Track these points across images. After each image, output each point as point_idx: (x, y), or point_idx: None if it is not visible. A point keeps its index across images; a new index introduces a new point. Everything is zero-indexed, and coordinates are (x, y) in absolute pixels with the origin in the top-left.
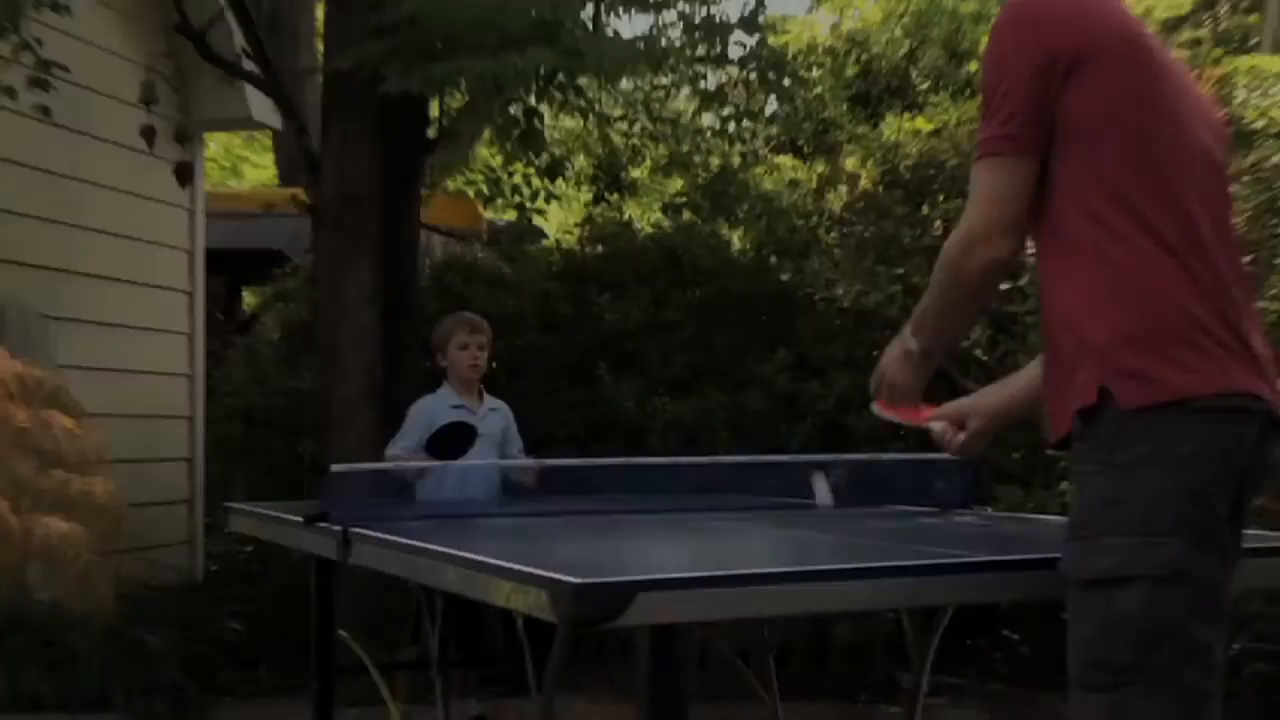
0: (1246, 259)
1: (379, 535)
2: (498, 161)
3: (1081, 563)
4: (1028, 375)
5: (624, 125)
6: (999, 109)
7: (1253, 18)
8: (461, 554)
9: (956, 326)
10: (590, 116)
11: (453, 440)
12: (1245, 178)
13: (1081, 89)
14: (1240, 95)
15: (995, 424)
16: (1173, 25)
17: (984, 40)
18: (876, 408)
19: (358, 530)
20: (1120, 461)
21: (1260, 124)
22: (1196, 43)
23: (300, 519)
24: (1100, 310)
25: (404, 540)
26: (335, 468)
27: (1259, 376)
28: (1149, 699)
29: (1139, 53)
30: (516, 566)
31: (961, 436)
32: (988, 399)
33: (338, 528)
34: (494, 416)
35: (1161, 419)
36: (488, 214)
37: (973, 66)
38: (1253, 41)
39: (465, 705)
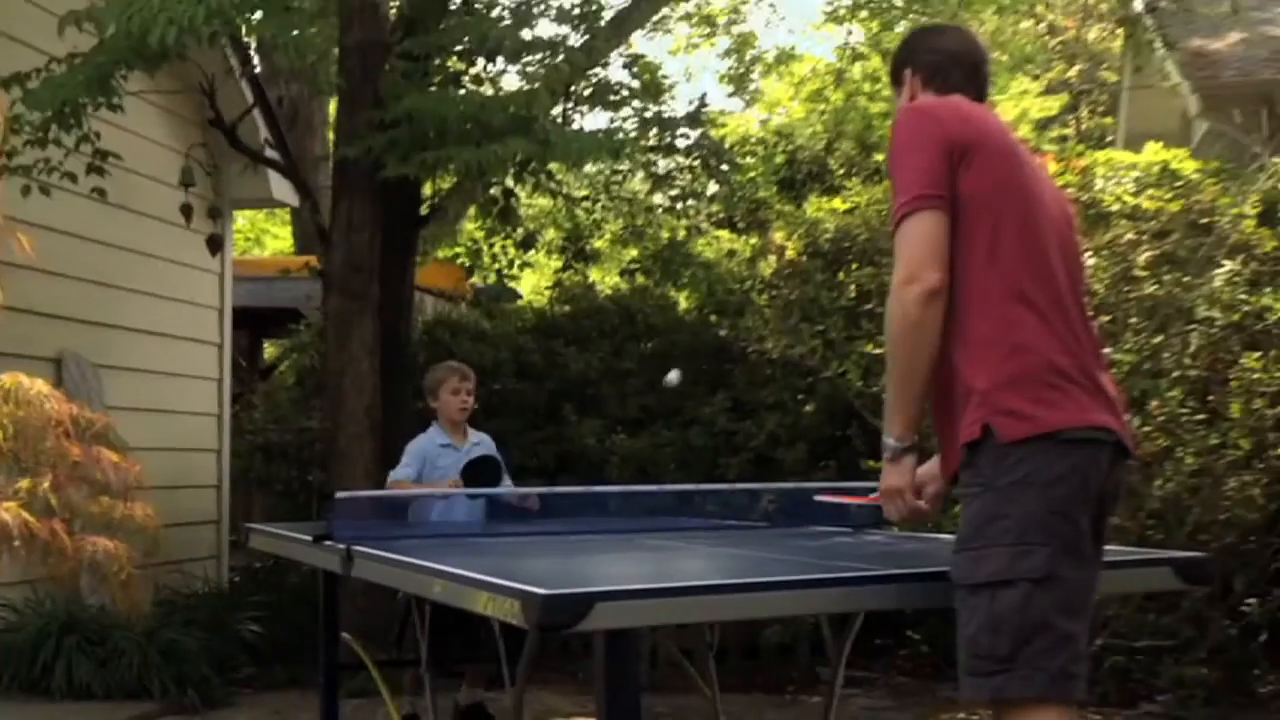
0: (1105, 318)
1: (377, 552)
2: (480, 234)
3: (969, 570)
4: None
5: (588, 204)
6: (914, 180)
7: (1107, 120)
8: (447, 569)
9: (916, 383)
10: (559, 196)
11: (483, 473)
12: (1104, 251)
13: (970, 174)
14: (1099, 183)
15: (949, 487)
16: (1044, 124)
17: (889, 134)
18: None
19: (359, 548)
20: (1000, 484)
21: (1115, 207)
22: (1064, 139)
23: (310, 538)
24: (982, 361)
25: (398, 557)
26: (340, 495)
27: (1110, 413)
28: (1025, 682)
29: (1011, 150)
30: (493, 580)
31: (923, 503)
32: (939, 465)
33: (341, 546)
34: (478, 449)
35: (1033, 449)
36: (474, 279)
37: (880, 156)
38: (1109, 139)
39: (473, 694)
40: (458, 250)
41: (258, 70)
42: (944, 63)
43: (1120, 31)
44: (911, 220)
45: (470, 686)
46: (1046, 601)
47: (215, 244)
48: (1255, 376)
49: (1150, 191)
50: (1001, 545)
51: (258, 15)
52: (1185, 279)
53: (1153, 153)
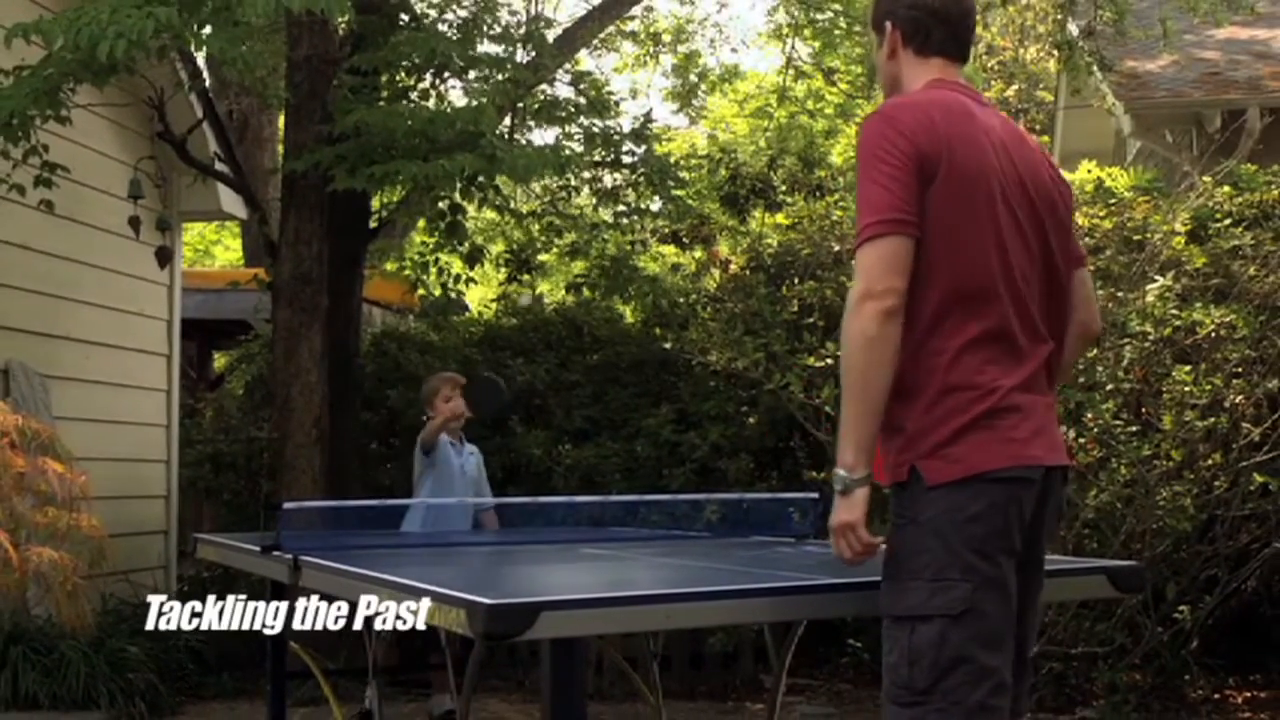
0: None
1: (324, 562)
2: (427, 248)
3: (891, 601)
4: None
5: (533, 219)
6: (881, 201)
7: (1044, 138)
8: (393, 578)
9: (871, 405)
10: (506, 211)
11: (484, 396)
12: None
13: (933, 197)
14: None
15: None
16: None
17: (834, 151)
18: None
19: (306, 558)
20: (921, 519)
21: None
22: None
23: (258, 548)
24: (913, 399)
25: (344, 566)
26: (288, 505)
27: (1045, 442)
28: (942, 715)
29: (978, 163)
30: (439, 589)
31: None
32: None
33: (289, 555)
34: (472, 459)
35: (957, 487)
36: (421, 291)
37: (823, 173)
38: None
39: (443, 701)
40: (404, 264)
41: (207, 84)
42: (925, 19)
43: (1056, 53)
44: (875, 243)
45: (439, 693)
46: (964, 636)
47: (164, 256)
48: (1186, 389)
49: (1084, 209)
50: (921, 579)
51: (206, 30)
52: (1119, 294)
53: (1086, 171)
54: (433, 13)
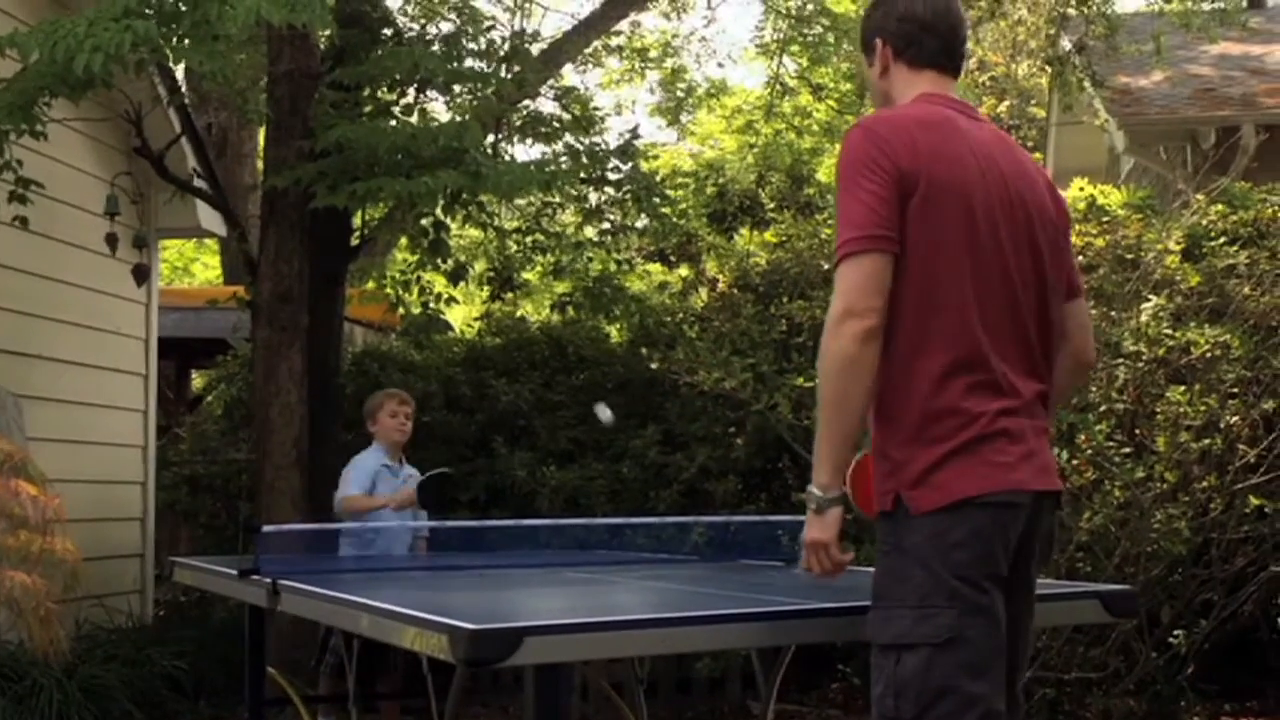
0: None
1: (303, 586)
2: (410, 267)
3: (878, 629)
4: None
5: (518, 236)
6: (861, 217)
7: (1036, 155)
8: (373, 603)
9: (848, 425)
10: (490, 229)
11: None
12: None
13: (910, 218)
14: None
15: None
16: None
17: (820, 168)
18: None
19: (285, 582)
20: (906, 545)
21: None
22: None
23: (236, 572)
24: (895, 428)
25: (324, 591)
26: (266, 528)
27: (1036, 468)
28: None
29: (959, 182)
30: (421, 614)
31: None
32: None
33: (267, 579)
34: (412, 480)
35: (940, 514)
36: (401, 310)
37: (811, 190)
38: None
39: None
40: (385, 282)
41: (186, 99)
42: (916, 32)
43: (1048, 68)
44: (854, 260)
45: None
46: (950, 664)
47: (141, 274)
48: (1180, 410)
49: (1077, 227)
50: (906, 607)
51: (185, 43)
52: (1112, 314)
53: (1079, 188)
54: (415, 27)
